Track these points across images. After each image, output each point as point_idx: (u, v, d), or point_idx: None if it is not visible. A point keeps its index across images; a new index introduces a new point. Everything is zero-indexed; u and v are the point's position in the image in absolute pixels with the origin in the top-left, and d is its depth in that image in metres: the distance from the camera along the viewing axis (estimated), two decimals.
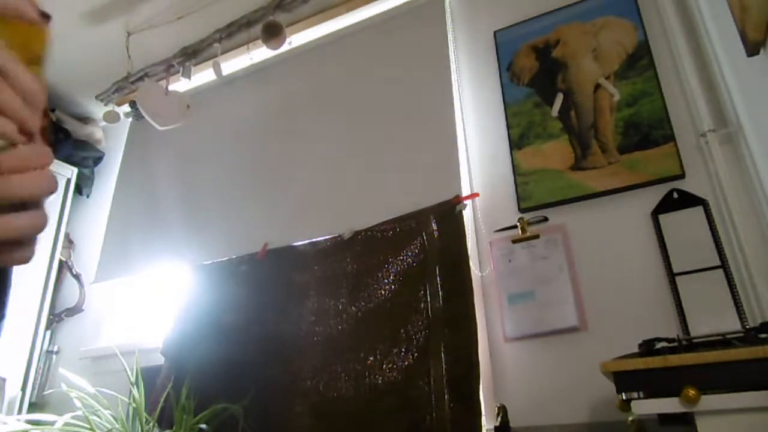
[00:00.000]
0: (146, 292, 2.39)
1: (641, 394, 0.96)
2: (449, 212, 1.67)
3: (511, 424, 1.40)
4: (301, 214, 2.00)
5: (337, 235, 1.84)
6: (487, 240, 1.68)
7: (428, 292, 1.60)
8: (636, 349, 1.07)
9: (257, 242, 1.97)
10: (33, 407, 2.17)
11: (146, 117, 2.20)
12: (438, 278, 1.60)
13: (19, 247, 0.35)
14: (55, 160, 2.48)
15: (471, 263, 1.58)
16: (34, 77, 0.35)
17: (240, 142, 2.27)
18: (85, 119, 2.80)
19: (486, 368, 1.52)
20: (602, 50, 1.73)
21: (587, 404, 1.39)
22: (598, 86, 1.70)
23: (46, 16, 0.38)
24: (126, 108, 2.59)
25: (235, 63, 2.39)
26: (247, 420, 1.61)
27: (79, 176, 2.63)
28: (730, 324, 1.29)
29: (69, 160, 2.59)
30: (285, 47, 2.16)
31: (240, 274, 1.95)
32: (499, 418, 1.40)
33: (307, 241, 1.90)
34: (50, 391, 2.26)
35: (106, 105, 2.57)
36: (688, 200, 1.46)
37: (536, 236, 1.60)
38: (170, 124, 2.20)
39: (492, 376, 1.53)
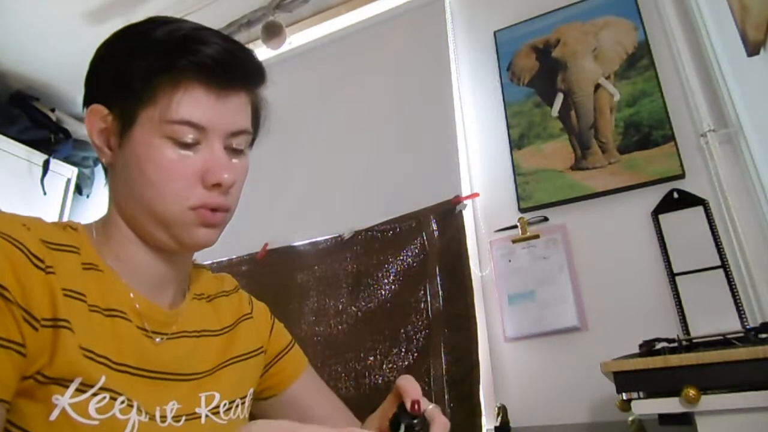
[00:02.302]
0: None
1: (641, 394, 0.96)
2: (449, 212, 1.67)
3: (511, 424, 1.40)
4: (301, 214, 2.00)
5: (337, 235, 1.84)
6: (487, 240, 1.68)
7: (428, 292, 1.60)
8: (636, 349, 1.07)
9: (257, 242, 1.97)
10: None
11: None
12: (438, 278, 1.60)
13: None
14: (55, 160, 2.49)
15: (471, 263, 1.58)
16: None
17: None
18: (85, 119, 2.80)
19: (486, 368, 1.51)
20: (602, 50, 1.73)
21: (587, 404, 1.39)
22: (598, 86, 1.70)
23: None
24: None
25: None
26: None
27: (79, 176, 2.63)
28: (730, 324, 1.29)
29: (69, 160, 2.59)
30: (285, 47, 2.16)
31: (240, 274, 1.95)
32: (499, 418, 1.40)
33: (307, 241, 1.90)
34: None
35: None
36: (688, 200, 1.46)
37: (536, 236, 1.60)
38: None
39: (492, 376, 1.52)
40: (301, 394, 0.78)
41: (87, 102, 0.62)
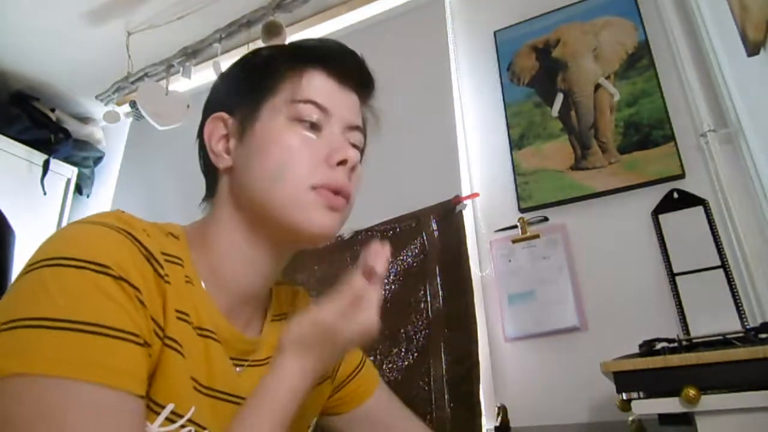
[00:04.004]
0: None
1: (641, 394, 0.95)
2: (449, 212, 1.67)
3: (511, 424, 1.40)
4: None
5: (337, 234, 1.84)
6: (487, 240, 1.68)
7: (428, 292, 1.60)
8: (636, 349, 1.07)
9: None
10: None
11: (146, 117, 2.20)
12: (438, 278, 1.60)
13: None
14: (55, 160, 2.49)
15: (471, 263, 1.58)
16: None
17: None
18: (85, 119, 2.80)
19: (486, 368, 1.51)
20: (602, 50, 1.73)
21: (587, 404, 1.39)
22: (598, 86, 1.70)
23: None
24: (126, 108, 2.58)
25: None
26: None
27: (79, 176, 2.63)
28: (730, 324, 1.29)
29: (69, 160, 2.59)
30: None
31: None
32: (499, 418, 1.40)
33: None
34: None
35: (106, 105, 2.57)
36: (688, 200, 1.46)
37: (536, 236, 1.60)
38: (170, 124, 2.20)
39: (492, 376, 1.53)
40: (375, 411, 0.77)
41: (207, 115, 0.64)
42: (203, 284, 0.58)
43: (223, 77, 0.67)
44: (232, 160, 0.61)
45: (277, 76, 0.60)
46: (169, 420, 0.48)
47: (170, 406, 0.48)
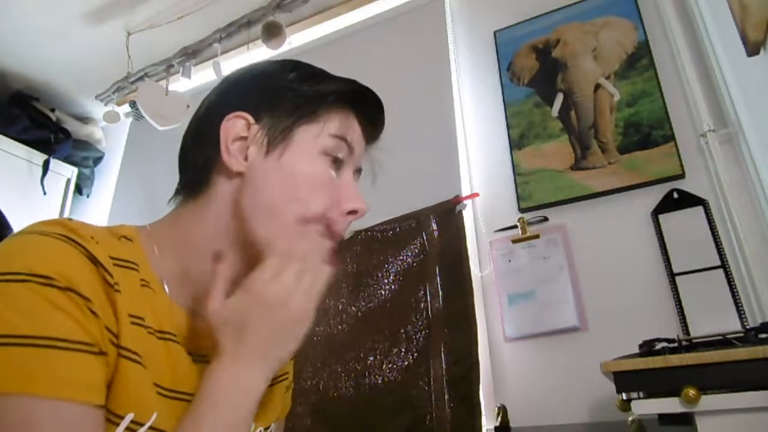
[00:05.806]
0: None
1: (641, 394, 0.95)
2: (449, 212, 1.67)
3: (511, 424, 1.40)
4: None
5: None
6: (487, 240, 1.68)
7: (428, 292, 1.60)
8: (636, 349, 1.07)
9: None
10: None
11: (146, 117, 2.20)
12: (438, 278, 1.60)
13: None
14: (55, 160, 2.49)
15: (471, 263, 1.58)
16: None
17: None
18: (85, 119, 2.80)
19: (486, 368, 1.51)
20: (602, 50, 1.73)
21: (587, 404, 1.39)
22: (598, 86, 1.70)
23: None
24: (126, 108, 2.58)
25: (235, 63, 2.39)
26: None
27: (79, 176, 2.63)
28: (730, 324, 1.29)
29: (69, 160, 2.59)
30: (285, 47, 2.16)
31: None
32: (499, 418, 1.40)
33: None
34: None
35: (106, 105, 2.57)
36: (688, 200, 1.46)
37: (536, 236, 1.60)
38: (170, 124, 2.20)
39: (492, 376, 1.53)
40: None
41: (226, 109, 0.60)
42: (165, 286, 0.56)
43: (254, 78, 0.64)
44: (247, 167, 0.58)
45: (324, 105, 0.60)
46: (129, 429, 0.47)
47: (129, 416, 0.47)
